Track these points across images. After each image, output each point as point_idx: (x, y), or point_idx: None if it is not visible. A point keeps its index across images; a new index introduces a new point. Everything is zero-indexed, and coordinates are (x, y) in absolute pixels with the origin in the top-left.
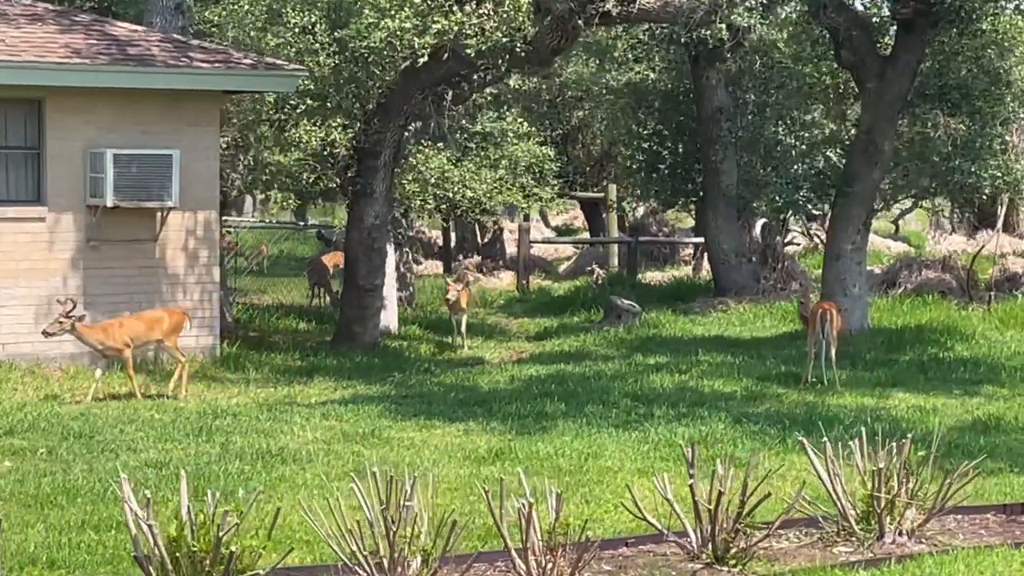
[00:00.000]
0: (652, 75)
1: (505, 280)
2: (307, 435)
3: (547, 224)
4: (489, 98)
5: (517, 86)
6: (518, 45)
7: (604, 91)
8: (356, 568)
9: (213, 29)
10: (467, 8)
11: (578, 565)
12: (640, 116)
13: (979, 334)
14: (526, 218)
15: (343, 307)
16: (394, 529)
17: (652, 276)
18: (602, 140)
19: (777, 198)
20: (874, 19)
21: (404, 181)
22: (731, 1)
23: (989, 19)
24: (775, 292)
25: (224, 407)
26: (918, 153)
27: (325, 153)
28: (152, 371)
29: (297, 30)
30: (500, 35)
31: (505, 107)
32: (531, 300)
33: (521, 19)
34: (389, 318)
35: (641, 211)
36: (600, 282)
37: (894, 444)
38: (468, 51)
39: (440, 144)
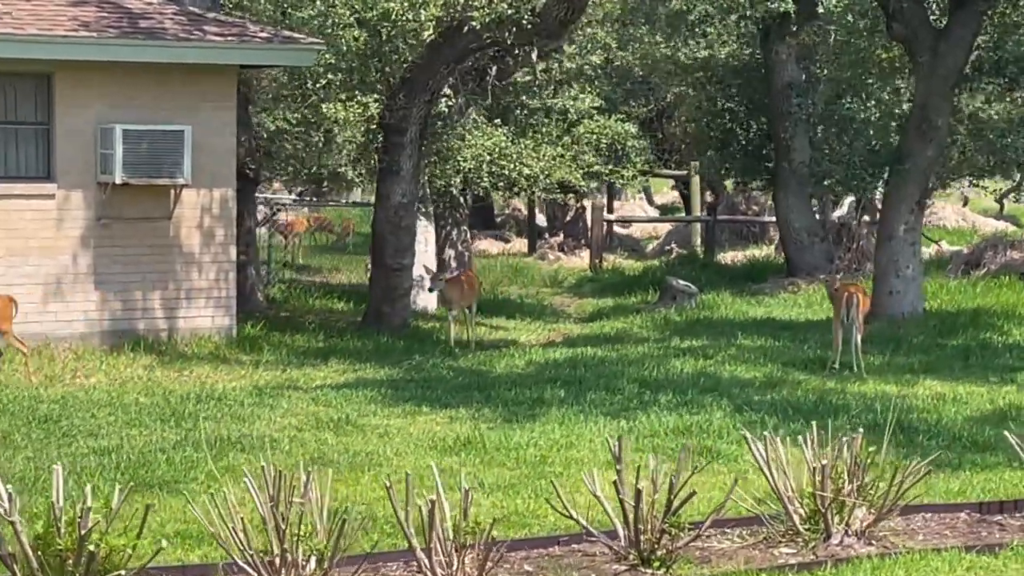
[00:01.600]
0: (724, 50)
1: (585, 259)
2: (282, 421)
3: (651, 202)
4: (560, 75)
5: (601, 63)
6: (525, 17)
7: (675, 67)
8: (246, 567)
9: (246, 3)
10: None
11: (484, 565)
12: (711, 92)
13: None
14: (613, 197)
15: (372, 287)
16: (283, 527)
17: (732, 255)
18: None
19: (847, 175)
20: None
21: (460, 158)
22: None
23: None
24: (849, 273)
25: (216, 391)
26: (973, 130)
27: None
28: (163, 351)
29: (322, 6)
30: (505, 6)
31: (576, 83)
32: (602, 280)
33: None
34: (427, 298)
35: (730, 187)
36: (670, 262)
37: (845, 438)
38: (473, 23)
39: (497, 120)
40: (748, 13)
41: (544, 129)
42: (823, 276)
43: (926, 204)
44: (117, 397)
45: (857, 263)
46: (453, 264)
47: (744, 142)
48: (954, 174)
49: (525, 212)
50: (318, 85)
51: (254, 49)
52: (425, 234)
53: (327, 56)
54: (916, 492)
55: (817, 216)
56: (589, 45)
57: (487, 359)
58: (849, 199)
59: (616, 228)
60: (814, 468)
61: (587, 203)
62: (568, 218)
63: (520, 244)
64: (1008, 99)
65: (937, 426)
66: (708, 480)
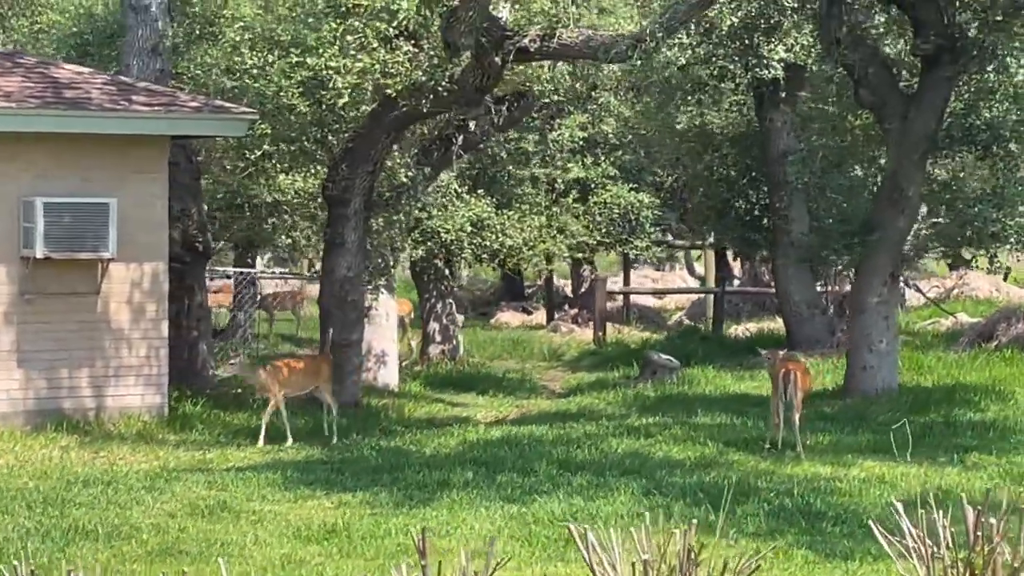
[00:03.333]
0: (719, 118)
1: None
2: (160, 508)
3: (691, 272)
4: (571, 144)
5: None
6: (441, 84)
7: (669, 134)
8: None
9: (200, 73)
10: (396, 45)
11: None
12: (708, 160)
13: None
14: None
15: None
16: None
17: (743, 328)
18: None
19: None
20: (891, 55)
21: (440, 229)
22: (660, 35)
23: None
24: (848, 345)
25: (116, 474)
26: (944, 199)
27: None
28: (88, 431)
29: (255, 71)
30: (420, 74)
31: (590, 153)
32: (604, 353)
33: (442, 58)
34: (389, 375)
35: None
36: (670, 335)
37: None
38: (388, 91)
39: (479, 191)
40: (738, 81)
41: (534, 199)
42: (766, 352)
43: (900, 276)
44: (7, 481)
45: None
46: (438, 338)
47: (743, 212)
48: (928, 245)
49: (557, 283)
50: (254, 156)
51: (182, 119)
52: (386, 307)
53: (262, 125)
54: None
55: (822, 287)
56: (603, 113)
57: (420, 439)
58: None
59: (641, 300)
60: (633, 564)
61: (649, 273)
62: (583, 290)
63: (542, 316)
64: (980, 167)
65: (850, 511)
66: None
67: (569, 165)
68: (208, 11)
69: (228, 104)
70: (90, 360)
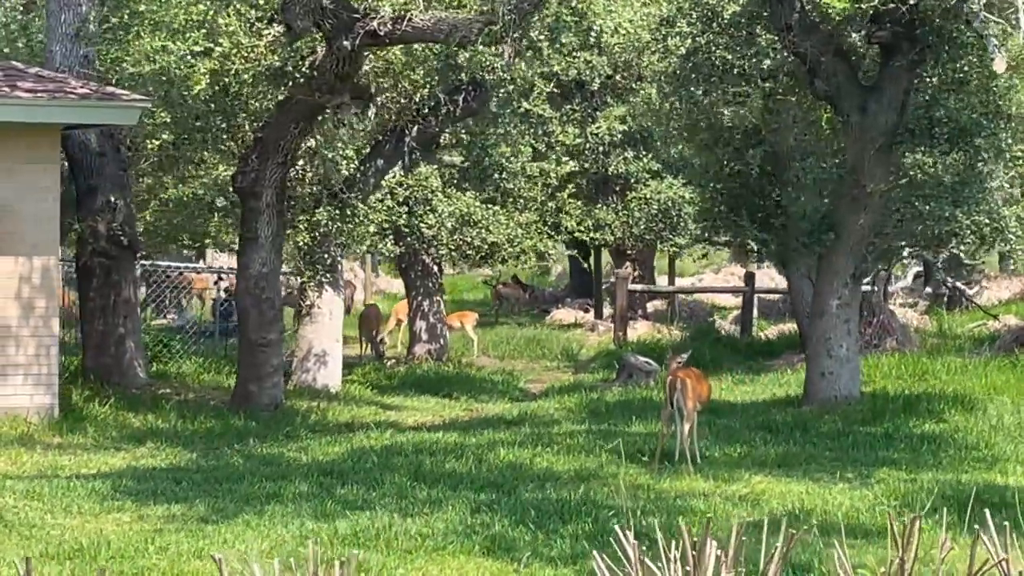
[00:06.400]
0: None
1: (640, 330)
2: None
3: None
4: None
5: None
6: (300, 70)
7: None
8: None
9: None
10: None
11: None
12: (719, 154)
13: (999, 403)
14: (671, 266)
15: (239, 365)
16: None
17: (777, 329)
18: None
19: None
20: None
21: (422, 224)
22: (511, 19)
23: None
24: (867, 348)
25: None
26: (903, 197)
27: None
28: None
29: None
30: (275, 58)
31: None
32: (620, 354)
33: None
34: (330, 376)
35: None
36: (682, 337)
37: None
38: (245, 75)
39: (465, 184)
40: (745, 72)
41: (527, 194)
42: (668, 358)
43: (863, 277)
44: None
45: (877, 338)
46: (424, 337)
47: (755, 209)
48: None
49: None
50: (151, 146)
51: (69, 106)
52: (331, 305)
53: (161, 113)
54: None
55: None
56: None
57: (308, 446)
58: (914, 270)
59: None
60: None
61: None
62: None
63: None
64: (942, 163)
65: (677, 534)
66: None
67: (565, 159)
68: None
69: (119, 91)
70: None
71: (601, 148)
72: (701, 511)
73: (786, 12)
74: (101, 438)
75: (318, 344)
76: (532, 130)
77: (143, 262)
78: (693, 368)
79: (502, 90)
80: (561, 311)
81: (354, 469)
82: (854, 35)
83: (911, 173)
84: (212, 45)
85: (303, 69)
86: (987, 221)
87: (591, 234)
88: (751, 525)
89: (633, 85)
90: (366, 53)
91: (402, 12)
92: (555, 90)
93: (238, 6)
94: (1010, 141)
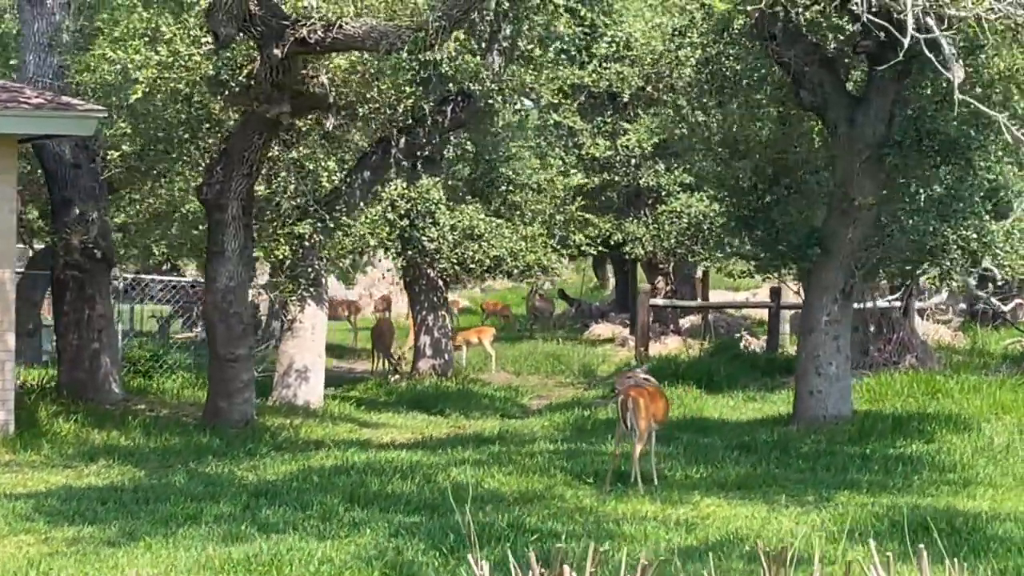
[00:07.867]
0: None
1: (670, 345)
2: None
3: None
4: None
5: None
6: (236, 79)
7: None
8: None
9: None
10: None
11: None
12: (736, 167)
13: (999, 423)
14: (705, 280)
15: (209, 381)
16: None
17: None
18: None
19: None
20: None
21: (424, 237)
22: (440, 25)
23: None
24: (884, 365)
25: None
26: (890, 211)
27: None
28: None
29: (110, 63)
30: (209, 67)
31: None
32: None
33: (233, 51)
34: (311, 392)
35: None
36: (702, 351)
37: None
38: (177, 85)
39: (468, 196)
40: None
41: (534, 207)
42: (623, 373)
43: (853, 294)
44: None
45: (896, 355)
46: (428, 352)
47: (771, 222)
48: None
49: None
50: (109, 158)
51: (22, 116)
52: (313, 320)
53: (122, 124)
54: None
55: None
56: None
57: (261, 464)
58: (941, 295)
59: (737, 312)
60: None
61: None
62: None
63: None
64: (933, 175)
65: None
66: None
67: (574, 171)
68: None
69: (75, 101)
70: None
71: (632, 160)
72: (631, 535)
73: (769, 21)
74: (55, 456)
75: (300, 359)
76: (561, 141)
77: (168, 277)
78: (650, 385)
79: (490, 99)
80: (600, 326)
81: (289, 489)
82: (833, 46)
83: (900, 181)
84: (152, 54)
85: (240, 78)
86: (975, 236)
87: (621, 248)
88: (683, 551)
89: (665, 97)
90: (307, 61)
91: (333, 20)
92: (586, 100)
93: (186, 18)
94: (1000, 153)
